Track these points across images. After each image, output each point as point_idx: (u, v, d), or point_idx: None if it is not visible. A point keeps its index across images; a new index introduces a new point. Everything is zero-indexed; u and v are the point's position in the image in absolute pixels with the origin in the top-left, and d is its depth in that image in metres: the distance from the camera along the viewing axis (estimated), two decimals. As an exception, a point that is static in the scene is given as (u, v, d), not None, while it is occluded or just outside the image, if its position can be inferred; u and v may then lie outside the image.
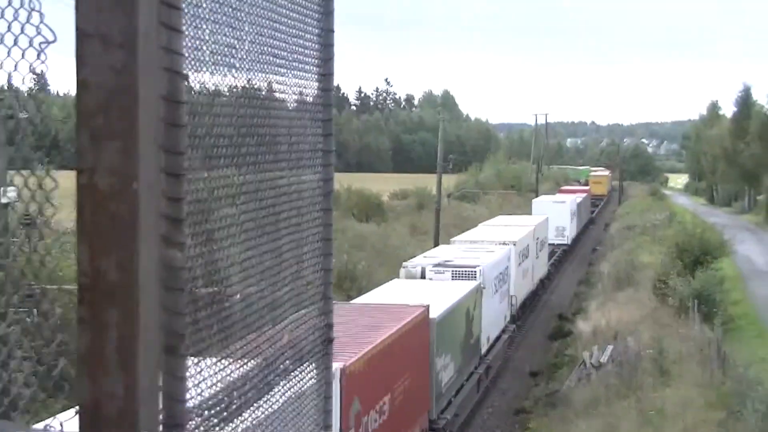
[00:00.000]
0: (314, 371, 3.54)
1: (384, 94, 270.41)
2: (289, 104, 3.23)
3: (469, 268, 31.34)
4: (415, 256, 35.53)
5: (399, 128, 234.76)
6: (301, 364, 3.38)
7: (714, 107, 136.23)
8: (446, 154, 49.18)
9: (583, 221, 79.06)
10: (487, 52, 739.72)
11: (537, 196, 73.75)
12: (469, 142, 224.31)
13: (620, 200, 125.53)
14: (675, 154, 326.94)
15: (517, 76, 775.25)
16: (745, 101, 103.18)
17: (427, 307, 23.55)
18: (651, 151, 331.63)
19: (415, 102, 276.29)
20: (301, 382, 3.38)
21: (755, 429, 15.95)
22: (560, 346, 38.05)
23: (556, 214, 60.79)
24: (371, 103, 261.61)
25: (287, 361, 3.19)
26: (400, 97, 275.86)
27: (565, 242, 63.86)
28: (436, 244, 43.26)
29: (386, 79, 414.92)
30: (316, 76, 3.44)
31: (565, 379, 29.86)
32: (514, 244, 38.95)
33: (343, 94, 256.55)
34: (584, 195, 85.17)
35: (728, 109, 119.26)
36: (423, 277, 30.64)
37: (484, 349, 31.38)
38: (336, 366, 12.16)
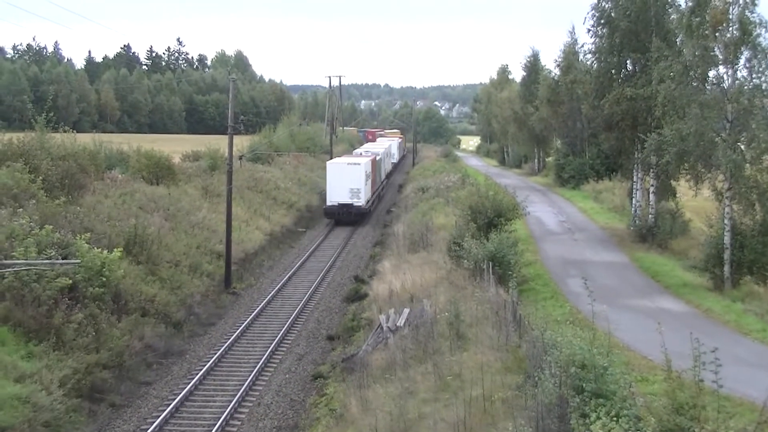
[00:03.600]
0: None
1: (176, 54, 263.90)
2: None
3: (377, 152, 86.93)
4: (207, 218, 48.59)
5: (192, 89, 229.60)
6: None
7: (504, 71, 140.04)
8: (239, 116, 47.61)
9: (402, 153, 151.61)
10: (281, 12, 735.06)
11: (331, 158, 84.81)
12: (263, 103, 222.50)
13: (414, 161, 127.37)
14: (467, 117, 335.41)
15: (312, 37, 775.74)
16: (534, 66, 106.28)
17: (376, 155, 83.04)
18: (443, 114, 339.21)
19: (208, 62, 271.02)
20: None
21: (553, 393, 15.65)
22: (357, 308, 37.58)
23: (391, 145, 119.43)
24: (163, 63, 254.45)
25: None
26: (192, 57, 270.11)
27: (395, 161, 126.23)
28: (229, 205, 43.42)
29: (178, 39, 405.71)
30: None
31: (362, 343, 29.30)
32: (384, 149, 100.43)
33: (134, 53, 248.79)
34: (401, 139, 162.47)
35: (518, 74, 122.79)
36: (360, 155, 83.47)
37: (383, 175, 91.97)
38: (367, 162, 71.97)
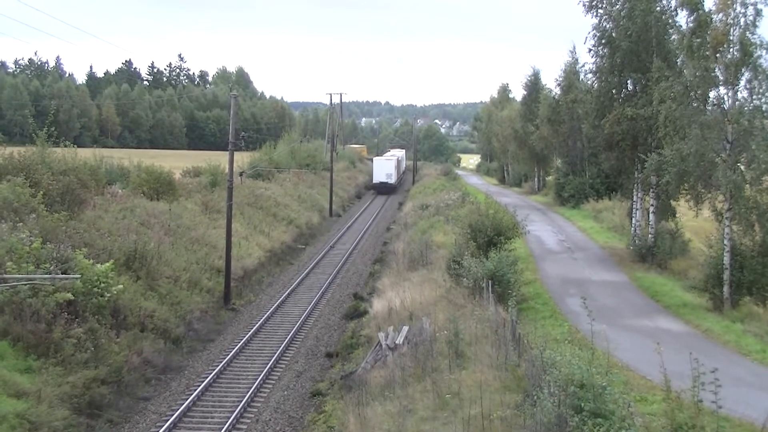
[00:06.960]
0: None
1: (177, 70, 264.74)
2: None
3: (396, 156, 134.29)
4: (207, 234, 47.32)
5: (193, 105, 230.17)
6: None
7: (505, 90, 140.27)
8: (240, 132, 47.68)
9: (406, 164, 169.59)
10: (283, 30, 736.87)
11: (332, 175, 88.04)
12: (264, 120, 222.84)
13: (414, 179, 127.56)
14: (467, 135, 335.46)
15: (314, 55, 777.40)
16: (534, 85, 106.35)
17: (398, 157, 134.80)
18: (444, 132, 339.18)
19: (209, 79, 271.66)
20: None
21: (552, 413, 15.60)
22: (356, 326, 37.52)
23: (403, 154, 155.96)
24: (164, 79, 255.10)
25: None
26: (193, 74, 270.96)
27: (405, 166, 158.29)
28: (229, 221, 43.32)
29: (180, 55, 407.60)
30: None
31: (361, 361, 29.24)
32: (402, 155, 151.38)
33: (135, 68, 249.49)
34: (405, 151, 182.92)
35: (518, 93, 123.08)
36: (390, 156, 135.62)
37: (401, 171, 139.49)
38: (395, 159, 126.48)
